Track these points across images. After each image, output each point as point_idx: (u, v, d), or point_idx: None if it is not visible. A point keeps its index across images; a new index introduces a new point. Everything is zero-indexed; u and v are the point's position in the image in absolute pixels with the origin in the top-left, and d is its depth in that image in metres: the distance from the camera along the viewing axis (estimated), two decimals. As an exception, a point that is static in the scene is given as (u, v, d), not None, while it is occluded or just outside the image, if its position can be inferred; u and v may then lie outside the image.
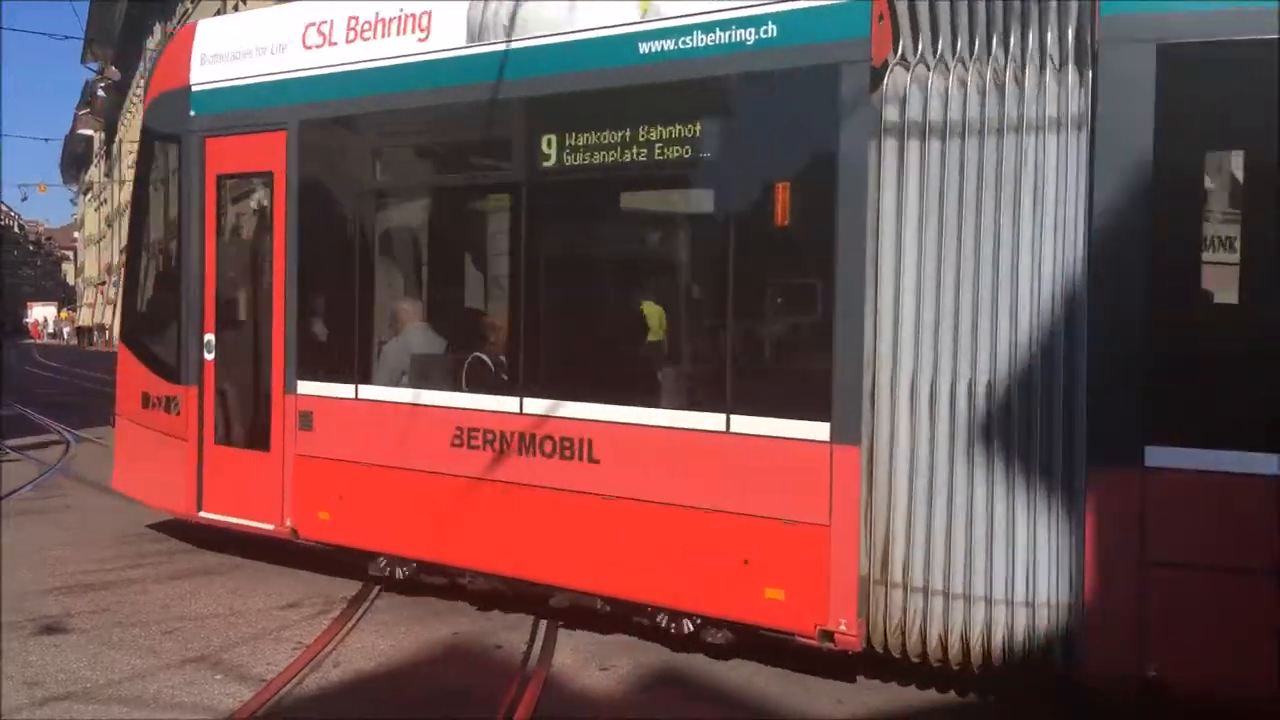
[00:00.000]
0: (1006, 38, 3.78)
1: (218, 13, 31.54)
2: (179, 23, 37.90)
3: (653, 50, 4.38)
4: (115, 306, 53.82)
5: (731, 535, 4.20)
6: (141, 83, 44.48)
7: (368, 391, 5.50)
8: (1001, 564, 3.74)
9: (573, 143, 4.66)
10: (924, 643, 3.88)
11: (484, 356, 5.39)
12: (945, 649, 3.83)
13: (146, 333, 7.04)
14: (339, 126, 5.60)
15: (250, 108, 6.00)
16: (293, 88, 5.77)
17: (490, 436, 4.98)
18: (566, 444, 4.70)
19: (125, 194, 50.01)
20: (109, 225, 55.42)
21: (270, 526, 5.94)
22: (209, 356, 6.27)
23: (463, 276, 5.64)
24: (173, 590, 5.85)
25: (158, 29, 40.46)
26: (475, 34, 5.02)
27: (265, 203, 6.07)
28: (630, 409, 4.52)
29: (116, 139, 49.44)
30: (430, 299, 5.70)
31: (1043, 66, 3.71)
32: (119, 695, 4.25)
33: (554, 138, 4.72)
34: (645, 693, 4.41)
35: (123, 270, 7.10)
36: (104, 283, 55.36)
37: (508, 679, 4.46)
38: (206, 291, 6.27)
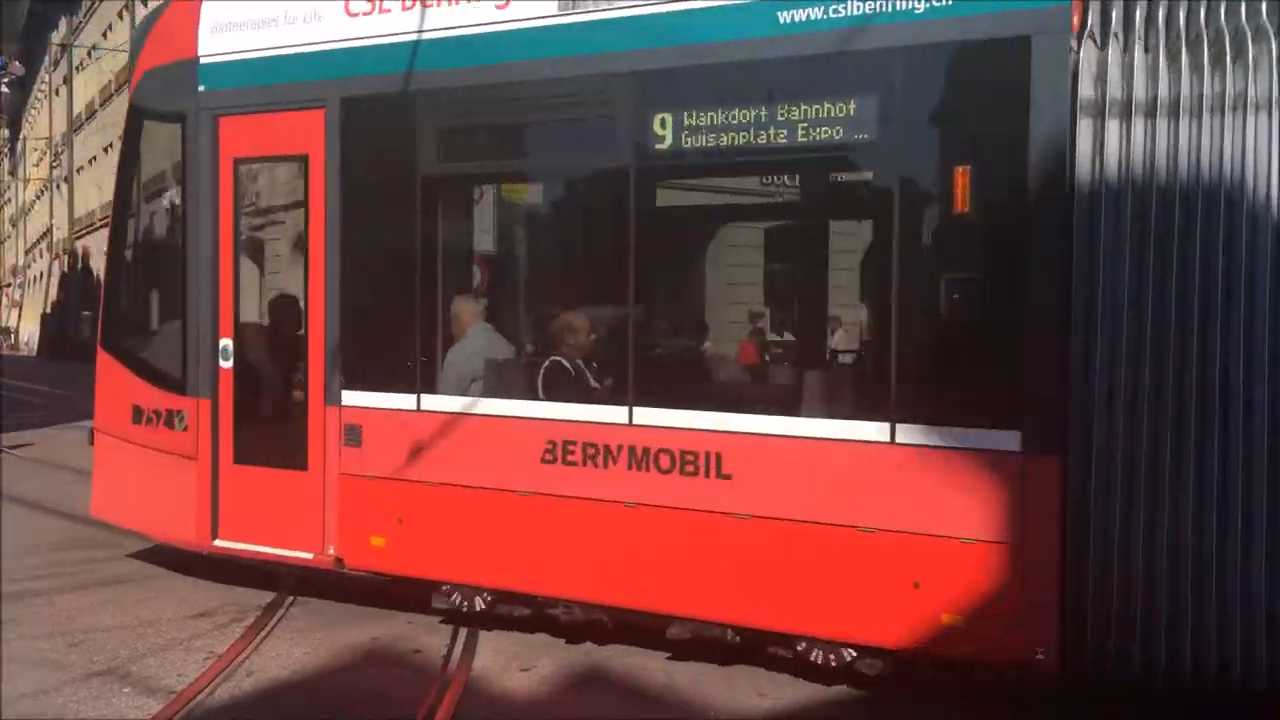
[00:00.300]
0: (1219, 7, 3.47)
1: (121, 11, 29.61)
2: (85, 17, 35.66)
3: (796, 19, 3.92)
4: (19, 310, 50.64)
5: (897, 556, 3.78)
6: (47, 78, 41.82)
7: (434, 402, 4.87)
8: (1230, 583, 3.40)
9: (693, 123, 4.18)
10: (1129, 669, 3.53)
11: (563, 360, 4.86)
12: (1162, 675, 3.49)
13: (138, 338, 6.23)
14: (392, 104, 4.95)
15: (278, 82, 5.30)
16: (334, 60, 5.10)
17: (592, 451, 4.43)
18: (689, 458, 4.20)
19: (30, 192, 46.98)
20: (13, 225, 51.99)
21: (308, 555, 5.25)
22: (225, 364, 5.52)
23: (545, 271, 5.07)
24: (80, 601, 5.57)
25: (63, 23, 38.07)
26: (568, 1, 4.48)
27: (298, 189, 5.37)
28: (769, 418, 4.05)
29: (21, 136, 46.31)
30: (506, 297, 5.11)
31: (1264, 39, 3.41)
32: (22, 711, 4.07)
33: (669, 117, 4.22)
34: (567, 692, 4.35)
35: (104, 268, 6.27)
36: (8, 285, 51.89)
37: (427, 683, 4.38)
38: (222, 291, 5.52)
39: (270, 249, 5.65)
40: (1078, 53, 3.56)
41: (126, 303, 6.32)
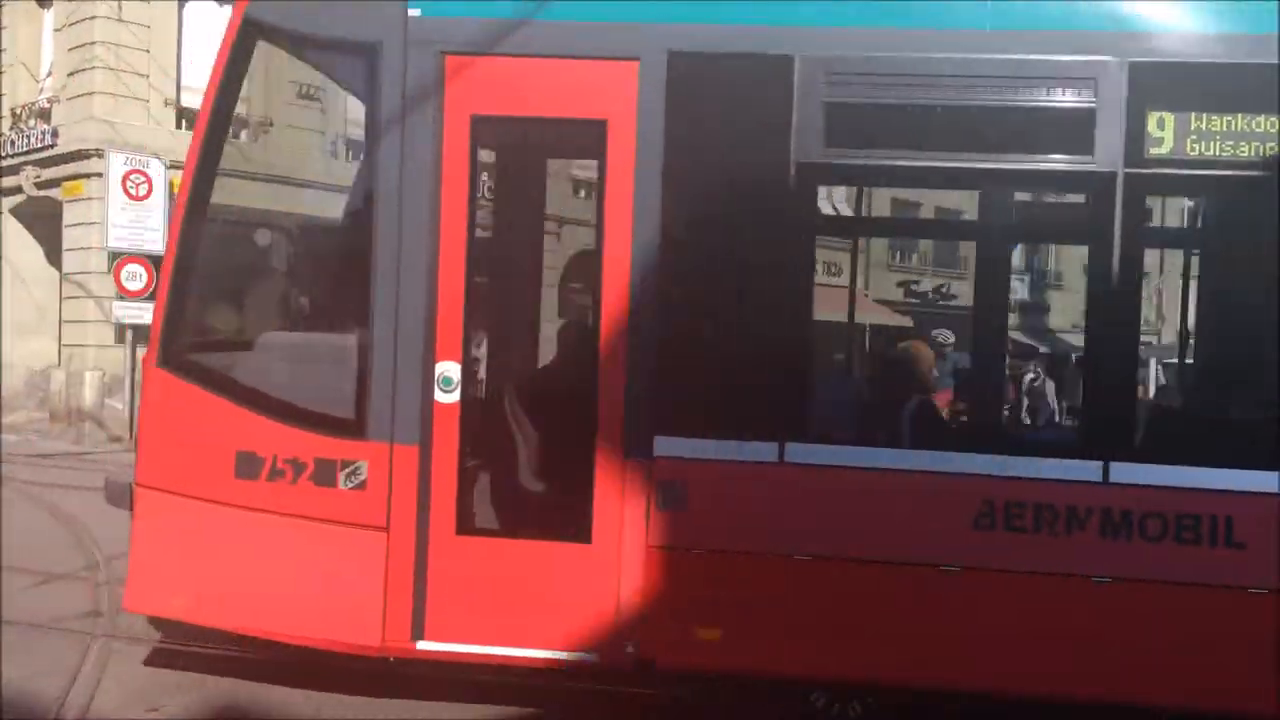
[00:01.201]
0: None
1: None
2: None
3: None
4: None
5: None
6: None
7: (804, 452, 3.81)
8: None
9: (1203, 127, 3.59)
10: None
11: (930, 399, 4.04)
12: None
13: (246, 354, 4.41)
14: (756, 67, 3.82)
15: (556, 19, 3.93)
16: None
17: (1050, 515, 3.66)
18: (1187, 524, 3.58)
19: None
20: None
21: (589, 656, 3.92)
22: (448, 398, 3.99)
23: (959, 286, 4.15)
24: None
25: None
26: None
27: (586, 166, 4.00)
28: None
29: None
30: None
31: None
32: None
33: (1168, 118, 3.61)
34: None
35: (172, 248, 4.31)
36: None
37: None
38: (445, 298, 3.99)
39: (515, 241, 4.16)
40: None
41: (220, 301, 4.43)
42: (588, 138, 3.95)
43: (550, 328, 4.48)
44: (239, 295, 4.63)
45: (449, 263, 3.98)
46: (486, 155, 4.23)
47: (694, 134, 3.87)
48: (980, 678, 3.75)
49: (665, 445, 3.85)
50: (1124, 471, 3.63)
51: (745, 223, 3.88)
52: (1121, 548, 3.62)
